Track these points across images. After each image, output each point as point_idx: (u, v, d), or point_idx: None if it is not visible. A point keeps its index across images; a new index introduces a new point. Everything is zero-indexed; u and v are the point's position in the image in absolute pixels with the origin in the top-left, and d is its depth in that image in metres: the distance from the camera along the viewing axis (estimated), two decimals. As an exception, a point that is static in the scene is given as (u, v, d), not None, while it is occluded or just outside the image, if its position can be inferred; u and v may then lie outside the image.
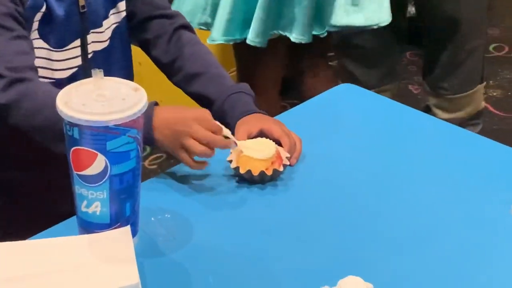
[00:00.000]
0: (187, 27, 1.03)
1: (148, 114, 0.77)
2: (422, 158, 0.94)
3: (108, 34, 0.98)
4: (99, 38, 0.97)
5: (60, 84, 0.86)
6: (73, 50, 0.93)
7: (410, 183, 0.88)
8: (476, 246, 0.75)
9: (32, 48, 0.86)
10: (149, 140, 0.81)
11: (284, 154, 0.85)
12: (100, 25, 0.95)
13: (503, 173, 0.90)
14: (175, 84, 1.02)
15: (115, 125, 0.66)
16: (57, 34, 0.91)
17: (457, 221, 0.80)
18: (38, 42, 0.90)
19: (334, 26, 1.47)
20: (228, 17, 1.48)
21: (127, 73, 1.02)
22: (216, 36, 1.50)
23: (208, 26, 1.56)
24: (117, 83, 0.72)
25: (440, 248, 0.75)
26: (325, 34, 1.52)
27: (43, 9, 0.87)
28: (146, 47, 1.03)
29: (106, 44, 0.98)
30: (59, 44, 0.91)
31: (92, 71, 0.69)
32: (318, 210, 0.82)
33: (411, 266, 0.72)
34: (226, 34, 1.49)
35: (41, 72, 0.89)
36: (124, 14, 1.00)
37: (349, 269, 0.66)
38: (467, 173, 0.90)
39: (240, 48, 1.58)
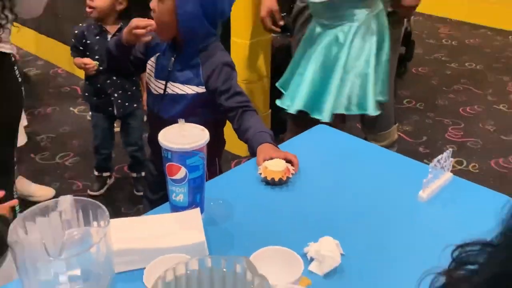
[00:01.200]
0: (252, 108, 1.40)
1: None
2: (367, 170, 1.29)
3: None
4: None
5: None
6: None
7: (360, 186, 1.23)
8: (395, 220, 1.11)
9: None
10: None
11: (290, 167, 1.21)
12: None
13: (412, 173, 1.24)
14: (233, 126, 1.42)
15: (191, 150, 1.05)
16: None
17: (388, 207, 1.16)
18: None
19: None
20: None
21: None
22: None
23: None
24: (191, 126, 1.09)
25: (376, 220, 1.11)
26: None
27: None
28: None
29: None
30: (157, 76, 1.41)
31: (179, 120, 1.07)
32: (311, 199, 1.17)
33: (361, 235, 1.06)
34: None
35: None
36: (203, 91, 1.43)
37: (326, 232, 1.00)
38: (389, 176, 1.25)
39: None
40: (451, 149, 1.21)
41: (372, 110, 1.87)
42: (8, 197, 1.09)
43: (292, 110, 1.93)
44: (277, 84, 2.12)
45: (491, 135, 3.01)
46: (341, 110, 1.87)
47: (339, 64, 1.84)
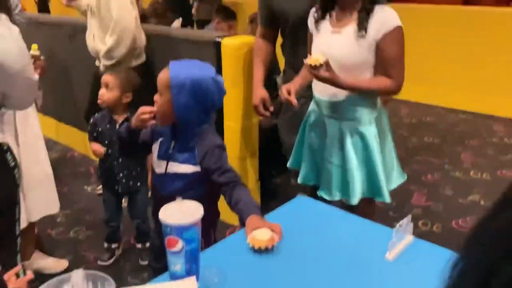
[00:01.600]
0: (241, 183, 1.43)
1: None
2: (342, 236, 1.31)
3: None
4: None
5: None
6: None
7: (336, 251, 1.24)
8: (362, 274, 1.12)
9: None
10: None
11: (275, 235, 1.22)
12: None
13: (380, 237, 1.22)
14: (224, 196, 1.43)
15: (188, 225, 1.06)
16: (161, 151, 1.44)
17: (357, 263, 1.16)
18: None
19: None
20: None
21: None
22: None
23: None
24: (188, 203, 1.11)
25: (351, 280, 1.11)
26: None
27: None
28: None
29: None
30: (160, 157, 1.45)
31: (177, 197, 1.10)
32: (295, 265, 1.17)
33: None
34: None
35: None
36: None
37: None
38: (361, 241, 1.25)
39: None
40: (410, 215, 1.23)
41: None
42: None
43: (355, 201, 1.77)
44: (288, 165, 2.06)
45: (450, 199, 3.05)
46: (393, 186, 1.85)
47: (374, 148, 1.74)
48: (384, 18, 1.63)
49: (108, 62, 2.65)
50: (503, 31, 4.44)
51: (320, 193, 1.86)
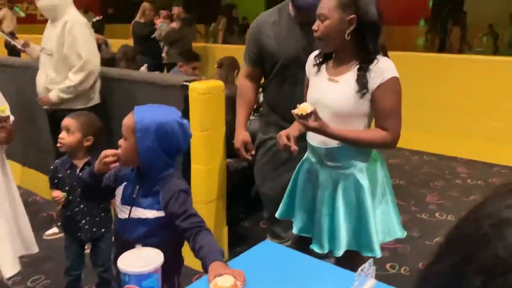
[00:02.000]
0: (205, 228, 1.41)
1: None
2: (306, 280, 1.30)
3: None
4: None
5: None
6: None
7: None
8: None
9: None
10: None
11: (238, 282, 1.21)
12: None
13: (343, 281, 1.19)
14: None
15: (147, 273, 1.05)
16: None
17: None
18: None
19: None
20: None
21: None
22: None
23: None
24: (147, 250, 1.11)
25: None
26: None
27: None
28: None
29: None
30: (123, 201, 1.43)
31: (136, 245, 1.09)
32: None
33: None
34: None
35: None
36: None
37: None
38: (325, 285, 1.23)
39: None
40: (372, 259, 1.25)
41: (400, 233, 1.80)
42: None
43: (339, 253, 1.72)
44: (277, 215, 2.00)
45: (417, 241, 3.09)
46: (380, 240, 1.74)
47: (367, 202, 1.68)
48: (380, 69, 1.60)
49: (66, 96, 2.81)
50: (464, 75, 4.69)
51: (312, 246, 1.81)
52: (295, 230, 1.93)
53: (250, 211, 3.28)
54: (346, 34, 1.61)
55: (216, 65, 3.73)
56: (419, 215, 3.46)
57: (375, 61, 1.61)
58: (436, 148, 4.75)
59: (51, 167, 2.28)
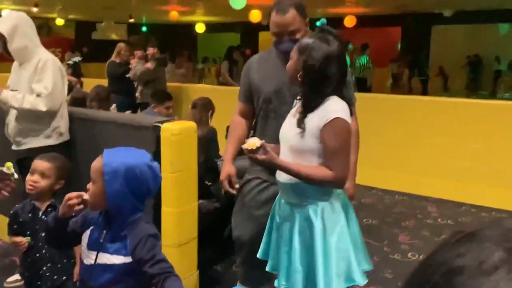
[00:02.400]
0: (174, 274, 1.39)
1: None
2: None
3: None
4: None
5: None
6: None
7: None
8: None
9: None
10: None
11: None
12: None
13: None
14: None
15: None
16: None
17: None
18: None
19: None
20: None
21: None
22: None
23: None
24: None
25: None
26: None
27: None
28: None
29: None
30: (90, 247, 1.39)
31: None
32: None
33: None
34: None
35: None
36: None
37: None
38: None
39: None
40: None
41: (361, 280, 1.75)
42: None
43: None
44: (258, 255, 2.01)
45: (390, 282, 3.10)
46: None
47: (318, 246, 1.68)
48: (325, 110, 1.65)
49: (14, 103, 2.65)
50: (435, 117, 4.86)
51: (276, 283, 1.82)
52: (268, 267, 1.94)
53: (223, 253, 3.24)
54: (298, 75, 1.71)
55: (190, 106, 3.76)
56: (392, 255, 3.48)
57: (327, 101, 1.68)
58: (407, 187, 4.84)
59: (11, 212, 2.20)
